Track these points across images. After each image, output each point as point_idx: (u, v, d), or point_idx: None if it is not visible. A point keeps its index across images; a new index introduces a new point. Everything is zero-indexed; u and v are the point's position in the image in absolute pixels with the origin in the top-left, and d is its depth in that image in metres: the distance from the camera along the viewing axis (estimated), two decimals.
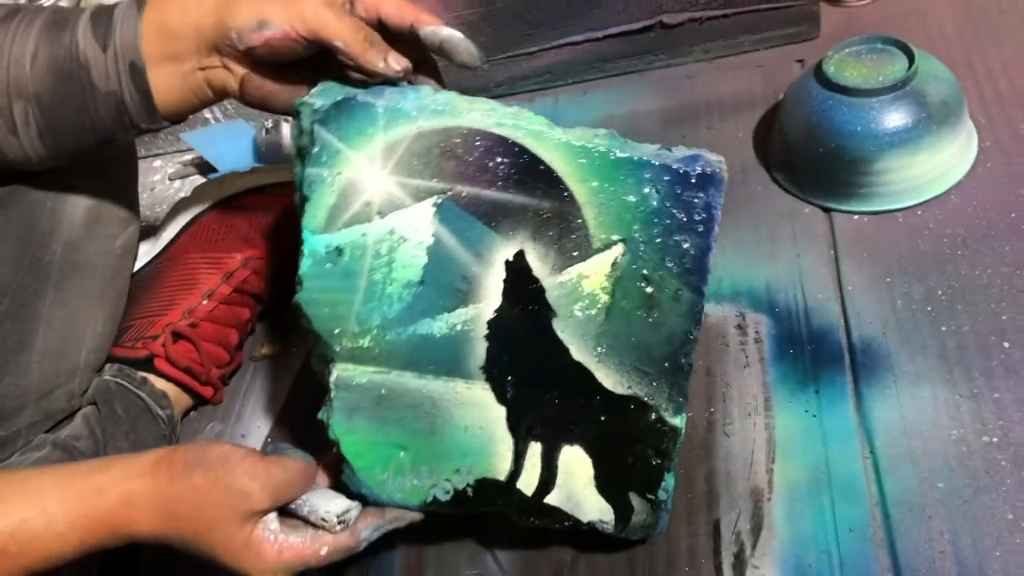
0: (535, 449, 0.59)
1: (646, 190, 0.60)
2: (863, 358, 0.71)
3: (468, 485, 0.59)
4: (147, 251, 0.87)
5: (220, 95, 0.64)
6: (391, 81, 0.61)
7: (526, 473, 0.59)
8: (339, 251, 0.58)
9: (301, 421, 0.81)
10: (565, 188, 0.60)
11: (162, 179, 1.11)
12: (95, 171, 0.73)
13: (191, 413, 0.85)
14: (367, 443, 0.58)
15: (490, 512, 0.61)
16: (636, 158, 0.60)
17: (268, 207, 0.86)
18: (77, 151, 0.67)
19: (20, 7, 0.70)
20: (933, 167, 0.80)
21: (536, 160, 0.60)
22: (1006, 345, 0.68)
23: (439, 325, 0.59)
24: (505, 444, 0.59)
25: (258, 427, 0.83)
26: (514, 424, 0.59)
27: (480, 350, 0.59)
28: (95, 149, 0.68)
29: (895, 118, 0.78)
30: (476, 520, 0.64)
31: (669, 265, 0.60)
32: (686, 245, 0.60)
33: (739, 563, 0.62)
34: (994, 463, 0.63)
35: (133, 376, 0.78)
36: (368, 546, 0.60)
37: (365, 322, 0.58)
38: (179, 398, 0.82)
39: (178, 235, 0.85)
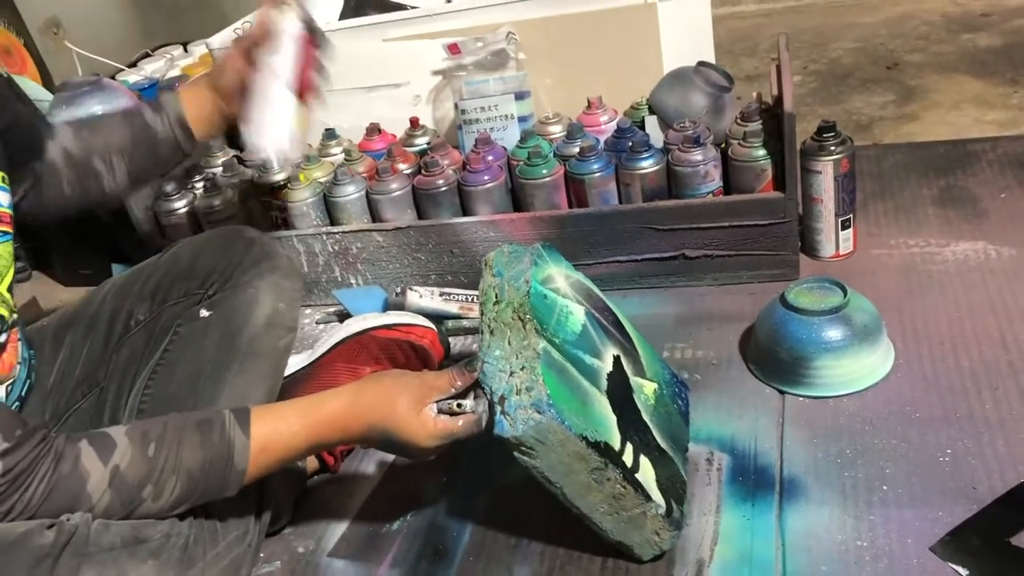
0: (629, 447, 0.94)
1: (665, 371, 1.07)
2: (788, 487, 1.02)
3: (599, 440, 0.90)
4: (303, 359, 1.24)
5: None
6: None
7: (625, 455, 0.92)
8: (546, 296, 0.98)
9: (395, 489, 1.15)
10: (632, 343, 1.05)
11: (311, 322, 1.51)
12: (276, 294, 1.11)
13: (314, 477, 1.19)
14: (556, 385, 0.89)
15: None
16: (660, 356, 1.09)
17: (393, 339, 1.23)
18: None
19: None
20: (856, 370, 1.14)
21: (618, 320, 1.06)
22: (884, 488, 1.00)
23: (586, 358, 0.97)
24: (616, 434, 0.93)
25: (361, 491, 1.16)
26: (619, 428, 0.94)
27: (603, 383, 0.97)
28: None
29: (830, 333, 1.14)
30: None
31: (676, 404, 1.04)
32: (679, 403, 1.05)
33: None
34: (860, 558, 0.92)
35: None
36: None
37: (555, 333, 0.95)
38: (311, 461, 1.16)
39: (328, 351, 1.23)
